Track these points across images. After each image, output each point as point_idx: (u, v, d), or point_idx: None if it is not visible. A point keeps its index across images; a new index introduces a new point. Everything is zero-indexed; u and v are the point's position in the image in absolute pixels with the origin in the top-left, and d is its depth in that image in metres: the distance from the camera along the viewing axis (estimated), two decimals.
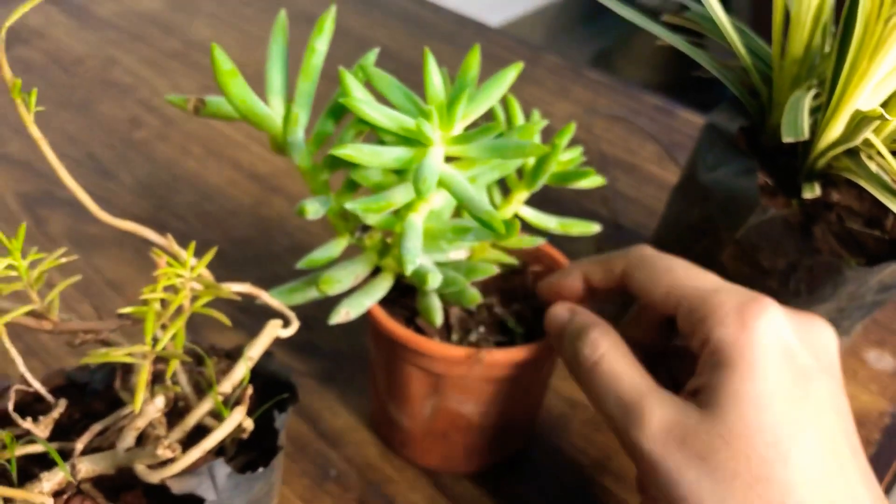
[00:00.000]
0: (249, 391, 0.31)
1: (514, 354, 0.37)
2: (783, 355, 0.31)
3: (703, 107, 0.64)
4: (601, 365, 0.34)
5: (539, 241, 0.42)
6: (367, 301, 0.38)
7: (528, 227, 0.41)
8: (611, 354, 0.34)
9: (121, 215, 0.31)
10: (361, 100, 0.33)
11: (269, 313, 0.33)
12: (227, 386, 0.32)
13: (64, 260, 0.32)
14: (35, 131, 0.29)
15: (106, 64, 0.79)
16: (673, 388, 0.34)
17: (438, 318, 0.38)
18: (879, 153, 0.40)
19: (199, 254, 0.29)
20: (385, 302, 0.39)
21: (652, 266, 0.36)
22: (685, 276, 0.35)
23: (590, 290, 0.39)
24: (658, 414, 0.32)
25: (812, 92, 0.41)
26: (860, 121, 0.37)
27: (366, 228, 0.39)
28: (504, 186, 0.41)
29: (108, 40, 0.83)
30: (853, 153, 0.41)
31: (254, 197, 0.63)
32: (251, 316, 0.51)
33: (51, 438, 0.32)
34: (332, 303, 0.37)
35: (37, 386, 0.33)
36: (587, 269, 0.39)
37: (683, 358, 0.38)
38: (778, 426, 0.30)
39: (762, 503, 0.29)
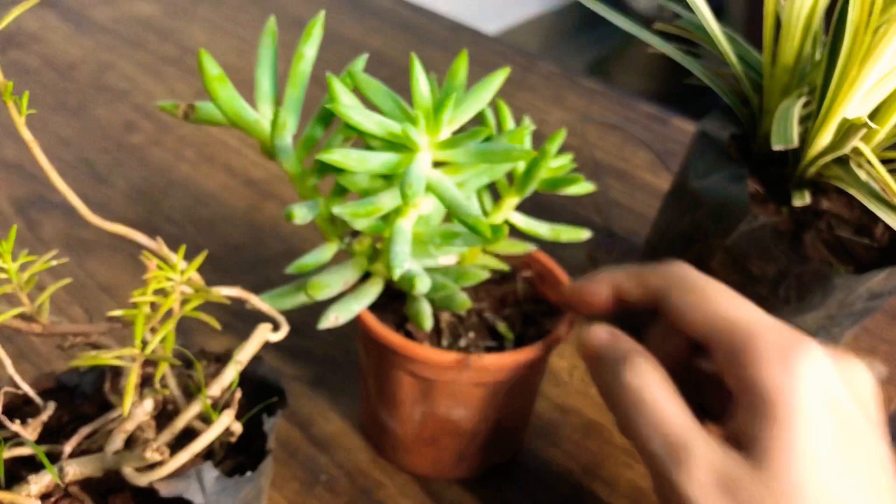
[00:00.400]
0: (238, 394, 0.31)
1: (504, 360, 0.38)
2: (828, 405, 0.30)
3: (697, 115, 0.64)
4: (644, 394, 0.33)
5: (529, 247, 0.42)
6: (357, 306, 0.38)
7: (519, 234, 0.41)
8: (655, 384, 0.33)
9: (114, 219, 0.31)
10: (348, 105, 0.34)
11: (260, 318, 0.33)
12: (215, 389, 0.32)
13: (55, 263, 0.32)
14: (26, 134, 0.30)
15: (101, 68, 0.79)
16: (696, 410, 0.33)
17: (428, 323, 0.38)
18: (869, 162, 0.40)
19: (191, 258, 0.29)
20: (375, 307, 0.39)
21: (692, 289, 0.35)
22: (726, 306, 0.33)
23: (618, 302, 0.37)
24: (705, 459, 0.31)
25: (802, 100, 0.41)
26: (848, 129, 0.38)
27: (355, 233, 0.39)
28: (495, 192, 0.41)
29: (103, 45, 0.83)
30: (843, 161, 0.41)
31: (247, 202, 0.63)
32: (242, 320, 0.51)
33: (39, 441, 0.32)
34: (323, 308, 0.37)
35: (25, 388, 0.33)
36: (618, 279, 0.37)
37: (711, 384, 0.37)
38: (826, 482, 0.29)
39: None
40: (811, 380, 0.30)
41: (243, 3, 0.95)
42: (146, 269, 0.30)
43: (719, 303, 0.34)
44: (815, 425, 0.30)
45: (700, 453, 0.31)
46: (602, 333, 0.36)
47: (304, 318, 0.52)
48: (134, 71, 0.79)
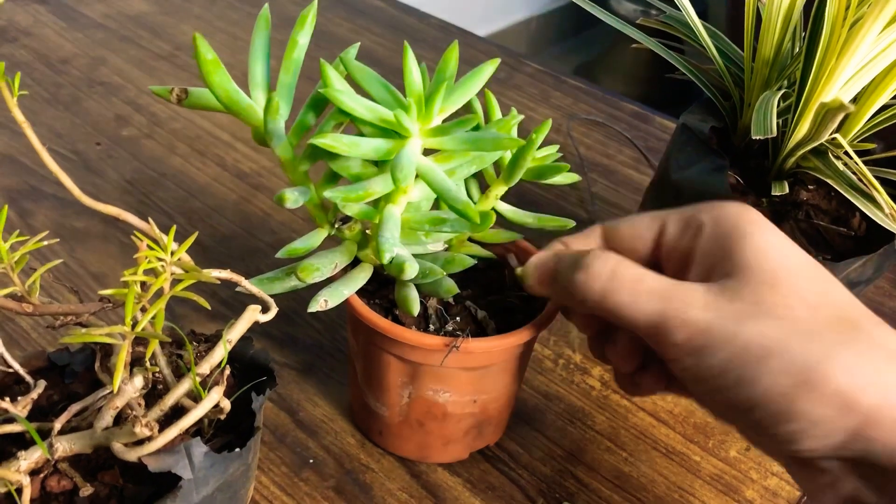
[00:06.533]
0: (227, 371, 0.32)
1: (490, 344, 0.38)
2: (800, 252, 0.33)
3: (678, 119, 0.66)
4: (619, 272, 0.33)
5: (515, 237, 0.43)
6: (346, 290, 0.38)
7: (505, 224, 0.42)
8: (624, 262, 0.34)
9: None
10: (341, 91, 0.34)
11: (247, 306, 0.33)
12: (205, 367, 0.32)
13: (46, 243, 0.33)
14: (18, 115, 0.30)
15: (94, 63, 0.80)
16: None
17: (416, 308, 0.38)
18: (846, 153, 0.41)
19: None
20: (364, 293, 0.40)
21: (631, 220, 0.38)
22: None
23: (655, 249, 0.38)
24: (699, 290, 0.32)
25: (781, 92, 0.42)
26: (825, 116, 0.39)
27: (345, 220, 0.40)
28: (483, 184, 0.42)
29: (96, 41, 0.84)
30: (821, 152, 0.42)
31: (238, 194, 0.64)
32: (231, 308, 0.52)
33: (29, 419, 0.32)
34: (311, 297, 0.37)
35: (16, 367, 0.34)
36: (663, 217, 0.37)
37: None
38: (801, 268, 0.32)
39: (828, 325, 0.30)
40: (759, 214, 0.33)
41: (235, 1, 0.96)
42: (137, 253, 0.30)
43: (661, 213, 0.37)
44: (775, 231, 0.33)
45: (692, 288, 0.32)
46: (547, 255, 0.38)
47: (292, 306, 0.52)
48: (126, 66, 0.80)
